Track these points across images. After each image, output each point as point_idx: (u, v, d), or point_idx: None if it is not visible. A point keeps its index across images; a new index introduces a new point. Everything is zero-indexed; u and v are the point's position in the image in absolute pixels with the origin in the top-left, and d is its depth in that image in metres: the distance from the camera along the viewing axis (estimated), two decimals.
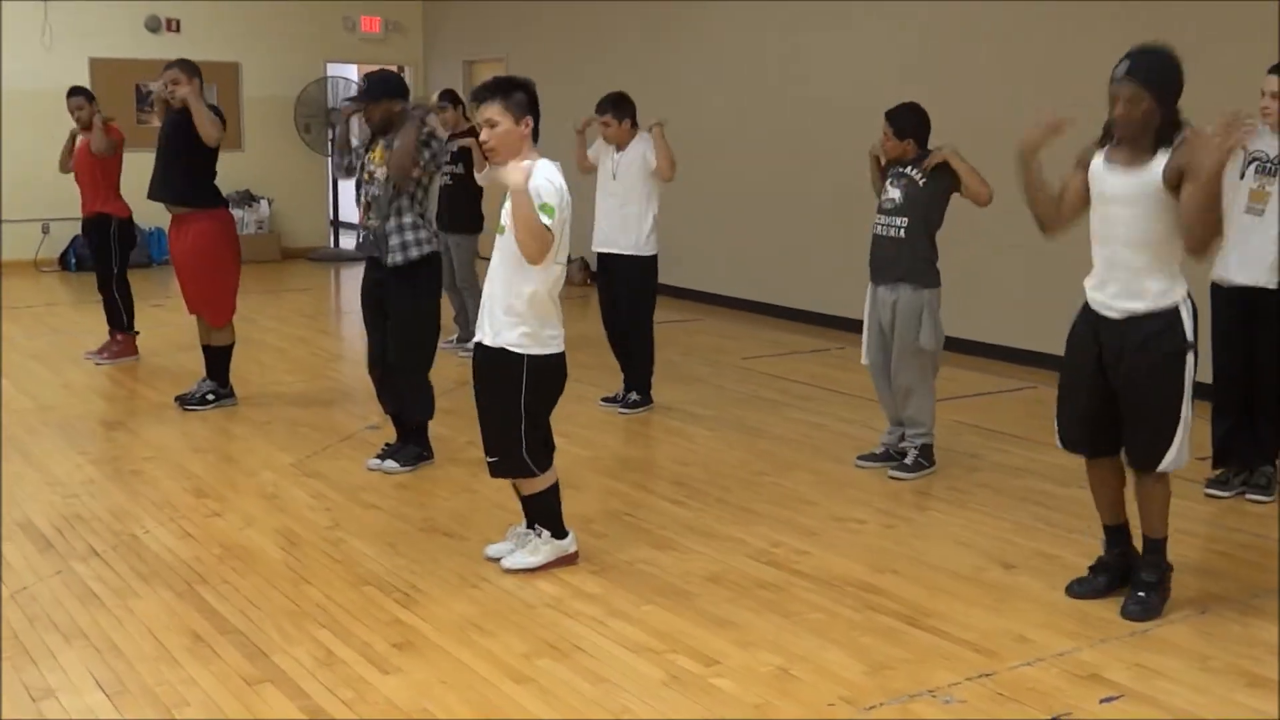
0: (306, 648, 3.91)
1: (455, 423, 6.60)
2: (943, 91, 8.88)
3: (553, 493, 4.58)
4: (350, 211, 16.26)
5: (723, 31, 10.90)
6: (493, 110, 4.28)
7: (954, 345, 8.19)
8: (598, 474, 5.91)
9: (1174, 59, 4.04)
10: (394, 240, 5.60)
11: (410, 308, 5.68)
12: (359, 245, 5.89)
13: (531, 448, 4.44)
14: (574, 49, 12.57)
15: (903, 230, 5.72)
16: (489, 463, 4.51)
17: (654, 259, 7.08)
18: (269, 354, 8.63)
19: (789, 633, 4.07)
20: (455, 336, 8.61)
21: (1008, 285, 8.47)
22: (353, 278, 13.43)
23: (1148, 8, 7.38)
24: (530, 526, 4.63)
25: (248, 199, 13.70)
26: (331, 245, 14.53)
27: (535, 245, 4.20)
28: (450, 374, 7.83)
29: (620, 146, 7.01)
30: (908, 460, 5.86)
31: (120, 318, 8.30)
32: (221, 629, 4.05)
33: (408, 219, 5.62)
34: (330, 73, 14.39)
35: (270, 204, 13.96)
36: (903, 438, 5.95)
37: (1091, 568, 4.44)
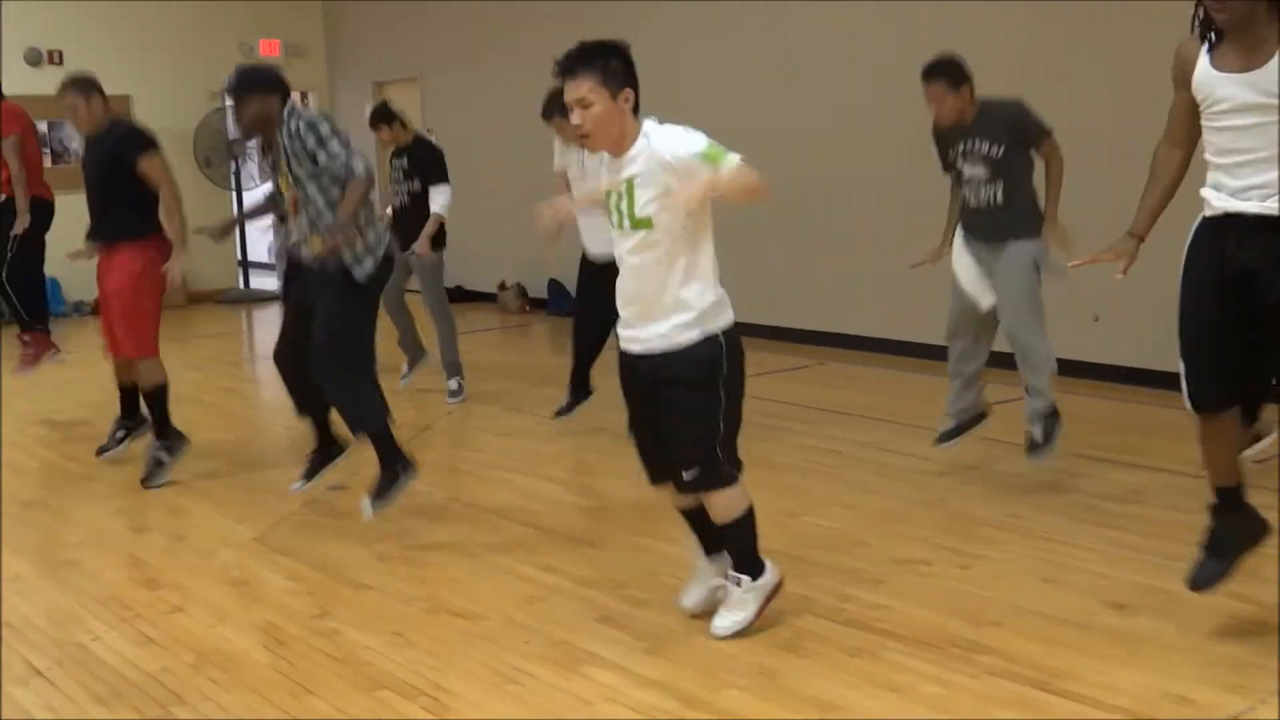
0: None
1: (433, 476, 5.85)
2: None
3: (752, 517, 3.92)
4: (260, 250, 15.31)
5: (654, 43, 10.27)
6: (585, 86, 3.55)
7: (932, 352, 7.69)
8: (612, 525, 5.20)
9: None
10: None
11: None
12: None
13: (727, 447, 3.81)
14: (492, 66, 11.82)
15: (999, 194, 5.26)
16: (686, 479, 3.79)
17: None
18: (195, 409, 7.71)
19: (908, 714, 3.40)
20: (451, 381, 7.77)
21: None
22: (267, 319, 12.53)
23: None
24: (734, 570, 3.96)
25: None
26: (242, 286, 13.57)
27: (758, 189, 3.55)
28: (410, 419, 7.08)
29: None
30: (1037, 434, 5.36)
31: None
32: None
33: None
34: (229, 101, 13.46)
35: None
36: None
37: (1207, 547, 3.80)
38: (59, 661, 3.95)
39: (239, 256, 13.76)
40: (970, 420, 5.72)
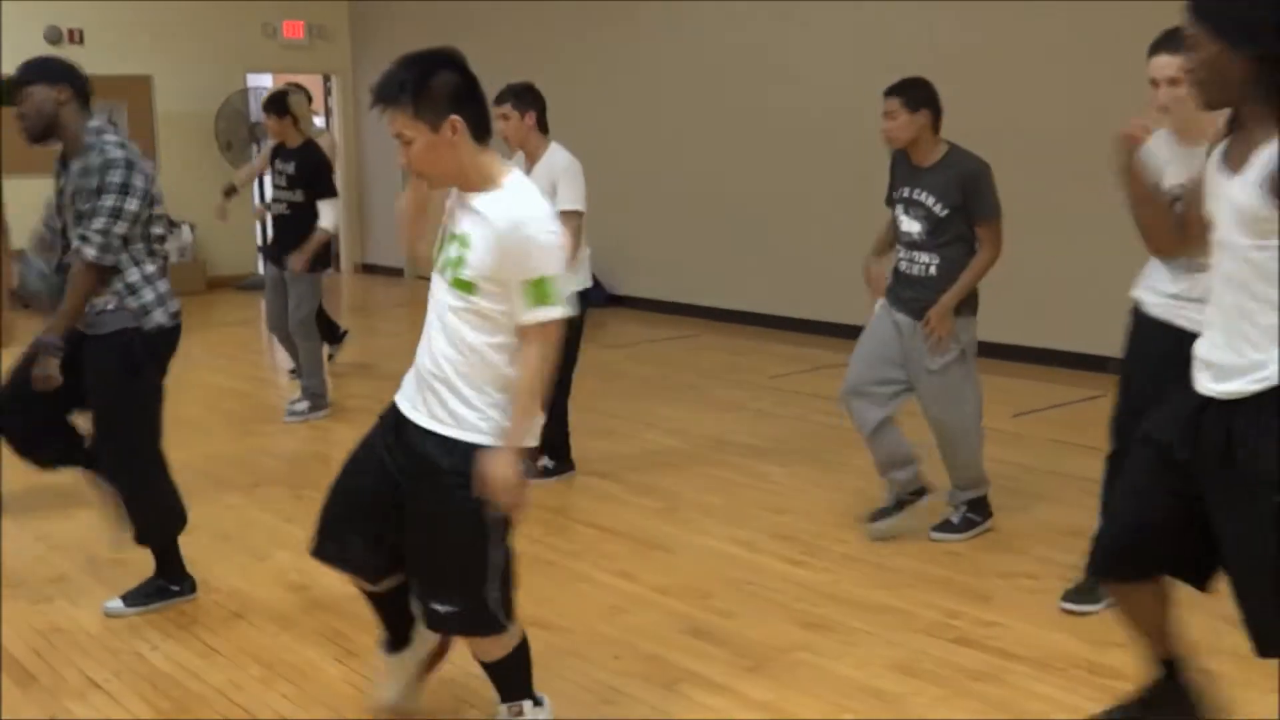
0: None
1: None
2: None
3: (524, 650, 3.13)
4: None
5: (694, 19, 10.00)
6: (400, 122, 2.82)
7: (998, 351, 7.46)
8: (685, 530, 4.94)
9: None
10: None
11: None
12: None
13: (506, 589, 2.97)
14: (523, 49, 11.55)
15: (933, 268, 4.57)
16: (439, 614, 2.95)
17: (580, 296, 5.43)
18: (230, 399, 7.48)
19: None
20: (300, 403, 7.01)
21: (1046, 282, 7.73)
22: None
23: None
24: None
25: (167, 225, 12.42)
26: (261, 271, 13.29)
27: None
28: None
29: (526, 152, 5.61)
30: (955, 518, 4.79)
31: None
32: None
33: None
34: (251, 84, 13.18)
35: (192, 230, 12.72)
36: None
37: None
38: (117, 672, 3.69)
39: (259, 242, 13.47)
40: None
